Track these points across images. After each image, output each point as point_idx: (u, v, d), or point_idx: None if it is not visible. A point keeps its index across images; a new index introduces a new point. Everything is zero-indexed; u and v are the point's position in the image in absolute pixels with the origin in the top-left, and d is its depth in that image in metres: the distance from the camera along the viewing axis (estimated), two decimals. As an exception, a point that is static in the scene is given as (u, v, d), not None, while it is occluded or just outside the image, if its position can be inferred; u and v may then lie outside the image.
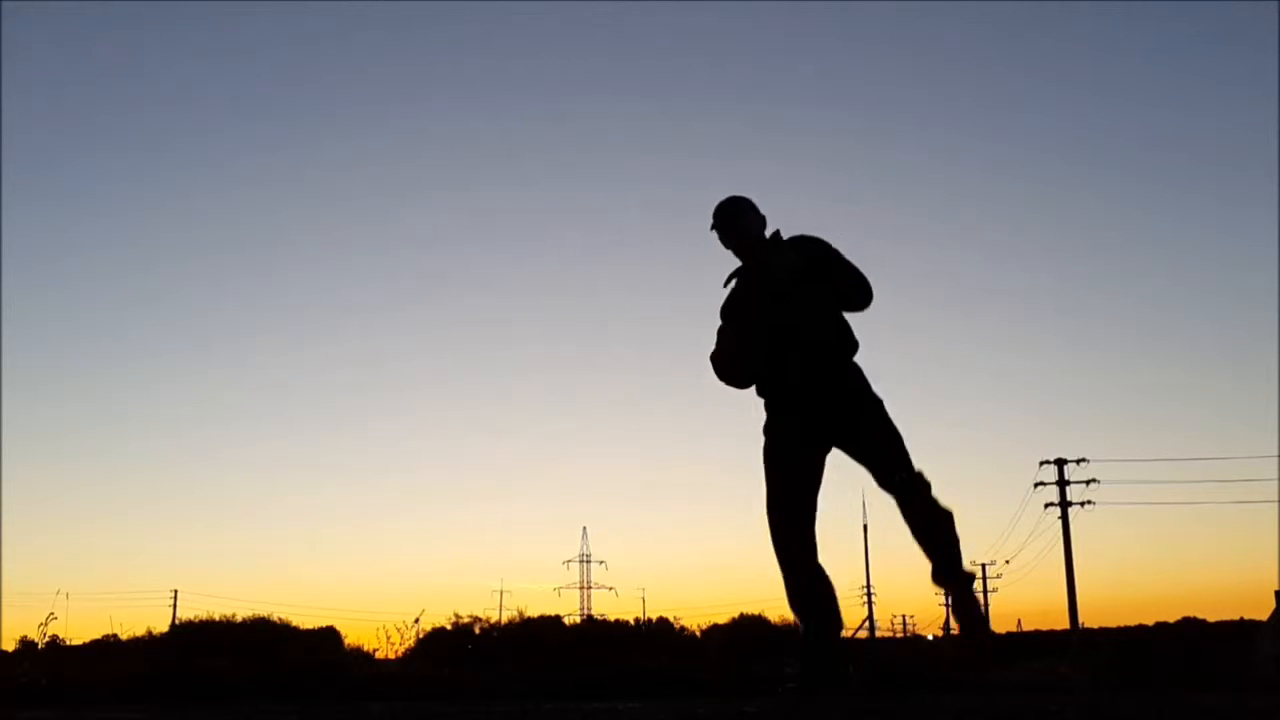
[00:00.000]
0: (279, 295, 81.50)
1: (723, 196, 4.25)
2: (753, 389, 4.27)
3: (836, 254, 4.15)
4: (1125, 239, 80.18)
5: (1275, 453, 64.17)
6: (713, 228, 4.23)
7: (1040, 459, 33.53)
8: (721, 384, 4.28)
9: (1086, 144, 78.89)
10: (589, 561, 57.08)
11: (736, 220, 4.21)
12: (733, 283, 4.31)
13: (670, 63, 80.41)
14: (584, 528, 58.08)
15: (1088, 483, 32.77)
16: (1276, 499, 69.50)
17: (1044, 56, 77.45)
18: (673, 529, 78.57)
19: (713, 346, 4.32)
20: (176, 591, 45.05)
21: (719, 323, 4.36)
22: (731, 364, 4.22)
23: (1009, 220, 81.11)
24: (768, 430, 4.16)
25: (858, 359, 4.17)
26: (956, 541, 4.05)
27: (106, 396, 77.75)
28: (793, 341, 4.07)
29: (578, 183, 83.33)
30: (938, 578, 4.05)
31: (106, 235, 79.17)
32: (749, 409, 4.33)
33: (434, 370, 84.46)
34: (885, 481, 4.03)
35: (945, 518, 4.04)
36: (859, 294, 4.14)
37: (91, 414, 76.94)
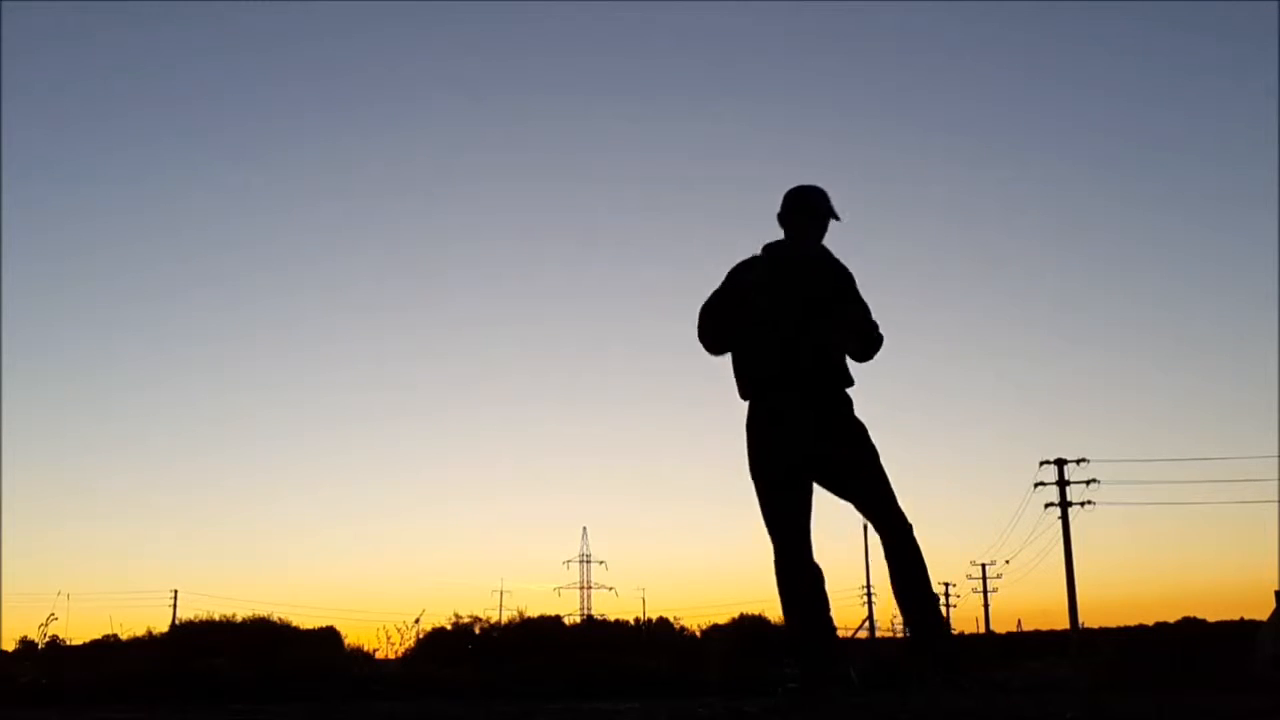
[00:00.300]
0: (279, 295, 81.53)
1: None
2: (736, 385, 4.20)
3: (858, 297, 4.16)
4: (1125, 239, 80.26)
5: (1275, 453, 64.19)
6: (798, 208, 4.15)
7: (1040, 459, 33.57)
8: (703, 338, 4.19)
9: (1087, 143, 78.98)
10: (589, 561, 57.07)
11: (825, 216, 4.15)
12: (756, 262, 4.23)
13: (671, 63, 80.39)
14: (584, 528, 58.07)
15: (1088, 483, 32.78)
16: (1276, 499, 69.50)
17: (1042, 56, 77.47)
18: (673, 529, 78.59)
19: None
20: (176, 591, 45.15)
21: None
22: (725, 316, 4.12)
23: (1008, 219, 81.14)
24: (760, 446, 4.07)
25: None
26: (936, 599, 4.03)
27: (106, 396, 77.82)
28: (808, 333, 4.03)
29: (577, 182, 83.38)
30: (927, 652, 3.92)
31: (107, 235, 79.27)
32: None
33: (434, 370, 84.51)
34: (881, 523, 3.97)
35: (925, 576, 3.96)
36: (868, 345, 4.16)
37: (92, 414, 77.00)
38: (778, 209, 4.25)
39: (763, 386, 4.09)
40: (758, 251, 4.27)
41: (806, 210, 4.15)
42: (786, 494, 4.01)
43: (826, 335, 4.02)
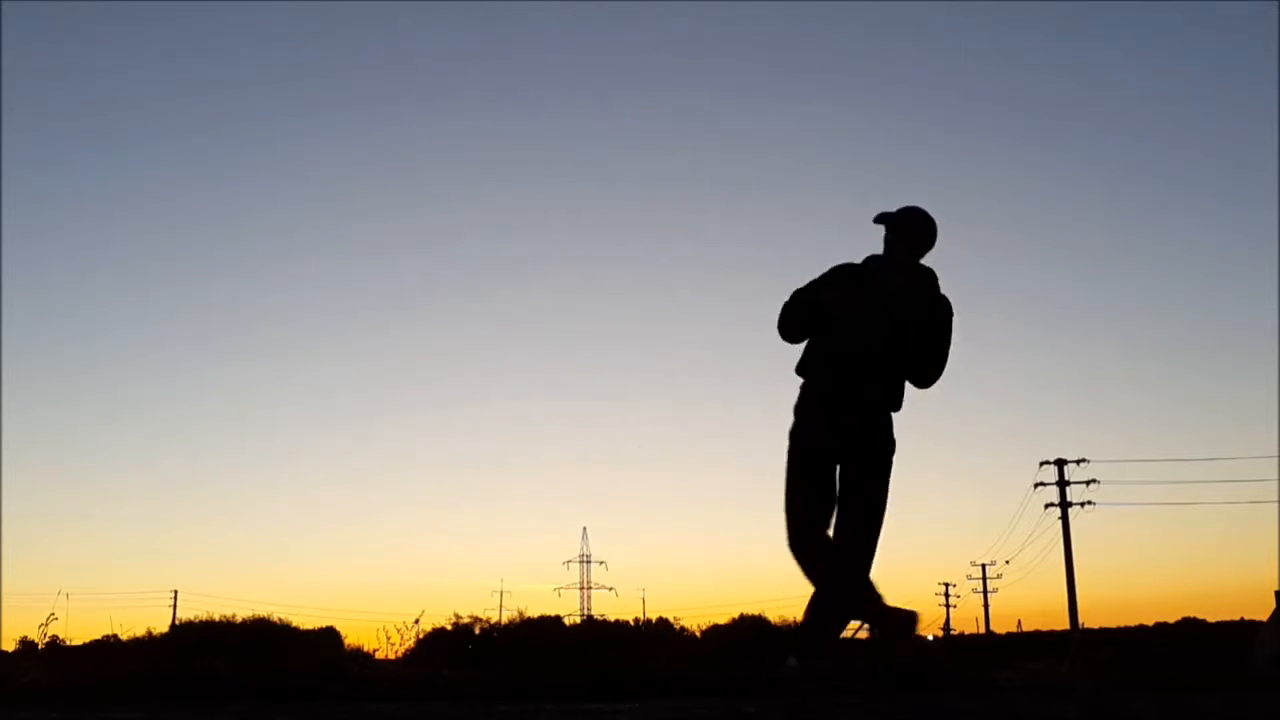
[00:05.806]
0: (278, 295, 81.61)
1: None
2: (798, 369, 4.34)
3: (949, 334, 4.28)
4: (1125, 238, 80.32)
5: (1275, 453, 64.14)
6: (904, 226, 4.31)
7: (1040, 459, 33.67)
8: (784, 322, 4.33)
9: (1087, 142, 79.00)
10: (589, 561, 57.14)
11: (927, 244, 4.29)
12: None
13: (674, 62, 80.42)
14: (584, 528, 58.14)
15: (1088, 483, 32.84)
16: (1276, 499, 69.49)
17: (1037, 54, 77.50)
18: (673, 529, 78.67)
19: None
20: (176, 591, 45.27)
21: (777, 301, 4.41)
22: (809, 311, 4.24)
23: (1008, 218, 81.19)
24: (799, 436, 4.22)
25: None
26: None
27: (106, 396, 77.94)
28: (877, 356, 4.19)
29: (576, 182, 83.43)
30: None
31: (107, 234, 79.34)
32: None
33: (434, 370, 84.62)
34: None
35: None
36: (933, 374, 4.32)
37: (91, 414, 77.12)
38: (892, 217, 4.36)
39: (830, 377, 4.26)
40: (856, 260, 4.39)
41: (910, 233, 4.29)
42: (828, 466, 4.22)
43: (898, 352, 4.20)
